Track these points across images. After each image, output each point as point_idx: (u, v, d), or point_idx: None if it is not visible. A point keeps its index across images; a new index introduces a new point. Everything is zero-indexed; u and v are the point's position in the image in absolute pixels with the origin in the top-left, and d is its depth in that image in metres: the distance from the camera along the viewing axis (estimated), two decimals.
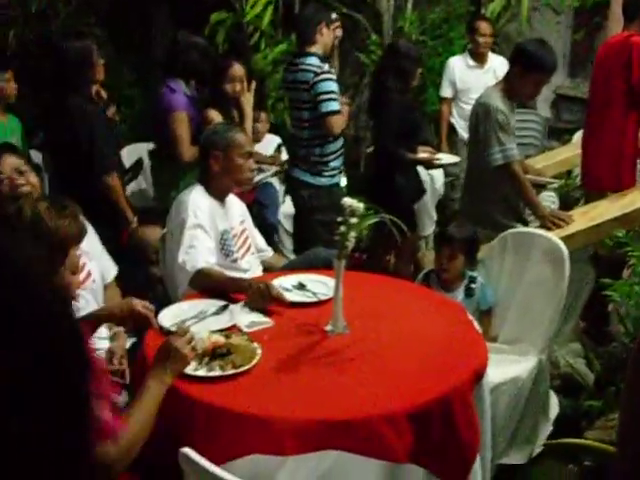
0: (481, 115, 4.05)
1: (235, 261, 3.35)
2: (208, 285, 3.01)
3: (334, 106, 4.38)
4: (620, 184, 4.31)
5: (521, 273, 3.42)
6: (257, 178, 4.85)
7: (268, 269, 3.56)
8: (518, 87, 4.03)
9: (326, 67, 4.45)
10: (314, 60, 4.45)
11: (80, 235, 2.00)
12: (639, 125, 4.31)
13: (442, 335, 2.62)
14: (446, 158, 5.14)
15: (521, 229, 3.63)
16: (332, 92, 4.39)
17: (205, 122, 4.33)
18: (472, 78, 5.96)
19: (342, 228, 2.44)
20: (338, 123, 4.42)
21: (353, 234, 2.45)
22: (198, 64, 4.60)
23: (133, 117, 7.57)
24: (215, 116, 4.43)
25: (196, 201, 3.26)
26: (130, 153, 5.53)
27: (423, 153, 4.87)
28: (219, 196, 3.38)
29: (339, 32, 4.62)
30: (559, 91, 8.70)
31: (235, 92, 4.52)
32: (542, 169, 4.89)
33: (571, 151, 5.53)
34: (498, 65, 5.89)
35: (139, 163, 5.38)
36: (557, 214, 4.04)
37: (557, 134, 8.01)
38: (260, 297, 2.80)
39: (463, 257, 3.43)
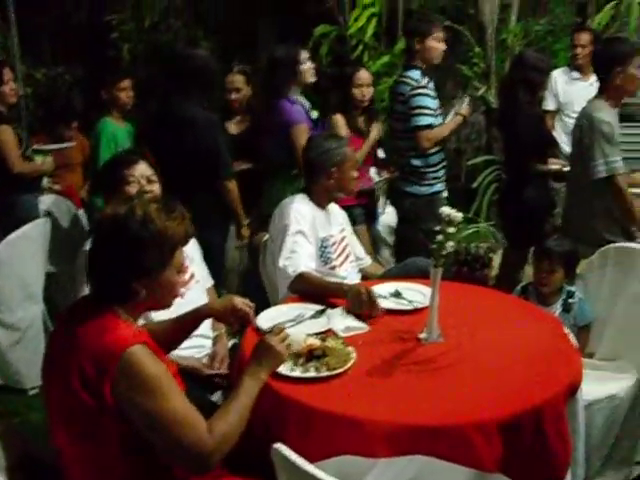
0: (585, 127, 3.99)
1: (333, 268, 3.42)
2: (308, 289, 3.09)
3: (425, 121, 4.45)
4: None
5: (621, 289, 3.34)
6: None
7: (366, 277, 3.61)
8: (619, 88, 3.96)
9: (425, 81, 4.51)
10: (414, 73, 4.52)
11: (187, 236, 2.10)
12: None
13: (537, 347, 2.60)
14: None
15: (622, 244, 3.55)
16: (425, 107, 4.45)
17: (331, 127, 4.50)
18: (575, 91, 5.85)
19: (439, 237, 2.46)
20: (428, 137, 4.47)
21: (451, 244, 2.47)
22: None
23: None
24: (340, 121, 4.58)
25: (299, 208, 3.36)
26: None
27: (553, 165, 4.83)
28: (322, 204, 3.48)
29: (442, 46, 4.62)
30: None
31: (363, 96, 4.66)
32: None
33: None
34: None
35: None
36: None
37: None
38: (359, 301, 2.85)
39: (562, 271, 3.39)
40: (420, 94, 4.45)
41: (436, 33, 4.54)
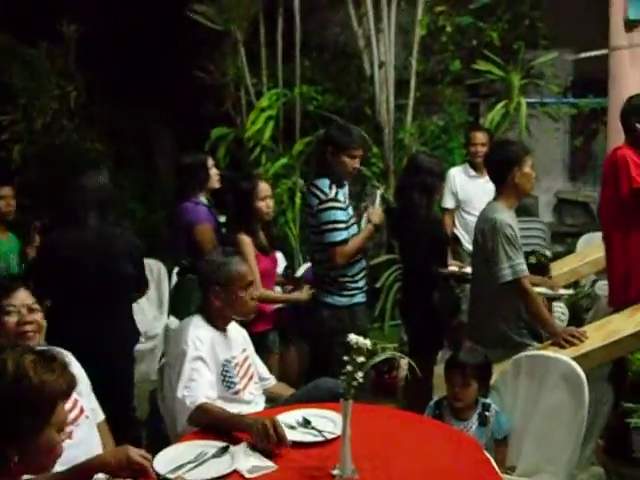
0: (487, 230, 3.95)
1: (237, 393, 3.20)
2: (209, 422, 2.85)
3: (339, 236, 4.18)
4: (627, 298, 4.23)
5: (537, 399, 3.26)
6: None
7: (271, 399, 3.40)
8: (517, 188, 3.97)
9: (333, 193, 4.22)
10: (323, 183, 4.26)
11: (69, 389, 1.86)
12: None
13: (457, 477, 2.44)
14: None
15: (534, 352, 3.48)
16: (336, 222, 4.18)
17: (237, 247, 4.21)
18: (473, 188, 5.88)
19: (348, 367, 2.30)
20: (343, 253, 4.20)
21: (361, 374, 2.30)
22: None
23: (135, 230, 7.53)
24: (246, 240, 4.34)
25: (196, 332, 3.14)
26: None
27: (453, 267, 4.77)
28: (220, 326, 3.26)
29: (356, 164, 4.34)
30: (560, 195, 8.73)
31: (268, 208, 4.49)
32: (545, 280, 4.75)
33: (578, 261, 5.43)
34: None
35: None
36: (570, 331, 3.88)
37: (560, 238, 7.98)
38: (265, 435, 2.63)
39: (476, 384, 3.27)
40: (329, 208, 4.18)
41: (354, 152, 4.28)
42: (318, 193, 4.25)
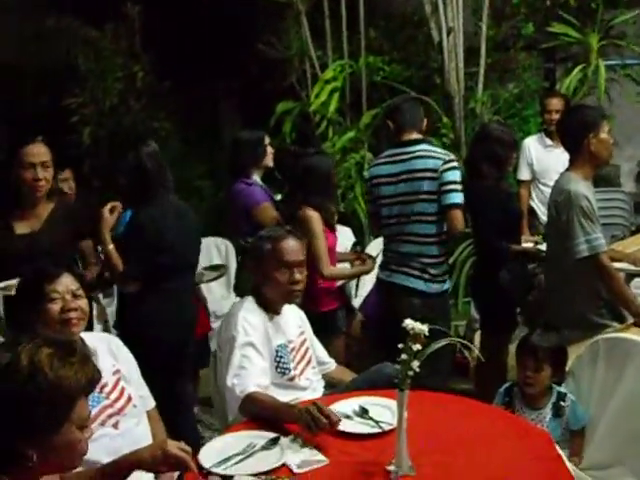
0: (562, 203, 3.68)
1: (292, 379, 3.04)
2: (258, 412, 2.69)
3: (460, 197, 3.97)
4: None
5: (616, 386, 2.98)
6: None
7: (331, 384, 3.24)
8: (593, 156, 3.69)
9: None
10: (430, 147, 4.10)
11: (91, 384, 1.72)
12: None
13: (526, 474, 2.22)
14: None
15: (614, 335, 3.20)
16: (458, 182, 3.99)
17: (303, 222, 4.08)
18: (550, 158, 5.59)
19: (403, 356, 2.10)
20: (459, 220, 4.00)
21: (416, 363, 2.10)
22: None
23: (204, 209, 7.46)
24: (315, 216, 4.14)
25: (247, 316, 2.99)
26: (206, 248, 5.44)
27: (526, 243, 4.50)
28: (271, 308, 3.10)
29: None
30: None
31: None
32: (636, 253, 4.43)
33: None
34: None
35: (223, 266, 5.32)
36: None
37: None
38: (312, 422, 2.45)
39: (549, 369, 3.02)
40: (454, 167, 3.98)
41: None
42: (434, 154, 4.01)
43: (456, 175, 3.95)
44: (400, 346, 2.11)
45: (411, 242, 4.07)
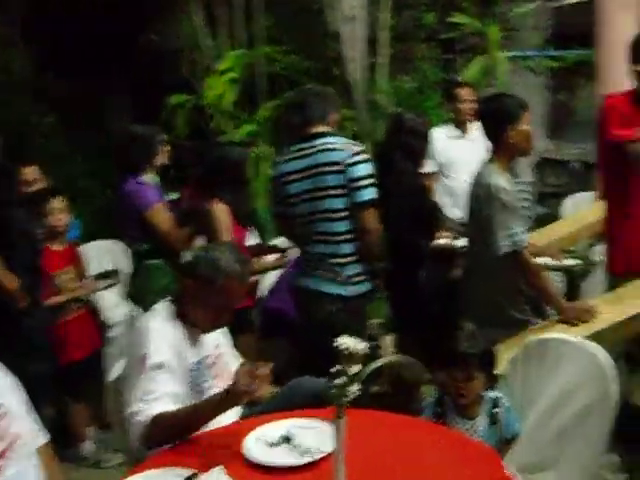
0: (482, 197, 3.51)
1: None
2: (171, 428, 2.38)
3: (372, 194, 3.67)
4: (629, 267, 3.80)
5: (548, 387, 2.83)
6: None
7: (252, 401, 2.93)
8: (513, 147, 3.53)
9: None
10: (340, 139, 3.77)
11: None
12: None
13: None
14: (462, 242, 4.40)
15: (548, 335, 3.03)
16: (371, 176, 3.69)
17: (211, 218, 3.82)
18: (455, 150, 5.44)
19: (338, 380, 1.82)
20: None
21: (355, 387, 1.83)
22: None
23: (91, 210, 6.98)
24: (224, 211, 3.91)
25: (160, 332, 2.64)
26: (97, 252, 5.22)
27: (443, 240, 4.31)
28: (190, 324, 2.76)
29: None
30: (542, 154, 8.32)
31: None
32: (550, 247, 4.31)
33: (572, 225, 5.00)
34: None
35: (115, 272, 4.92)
36: (580, 306, 3.46)
37: (542, 199, 7.59)
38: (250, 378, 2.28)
39: (482, 376, 2.81)
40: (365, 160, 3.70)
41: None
42: (339, 147, 3.69)
43: (366, 169, 3.65)
44: (335, 369, 1.83)
45: (322, 242, 3.78)
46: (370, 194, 3.64)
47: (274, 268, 4.54)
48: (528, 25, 6.86)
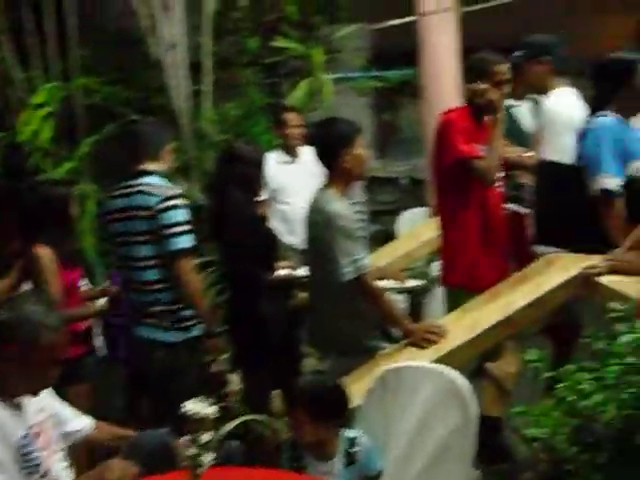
0: (321, 224, 3.42)
1: (46, 475, 2.41)
2: None
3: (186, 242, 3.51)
4: (454, 278, 3.89)
5: (406, 418, 2.75)
6: None
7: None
8: (348, 172, 3.46)
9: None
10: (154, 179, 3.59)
11: None
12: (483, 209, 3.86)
13: None
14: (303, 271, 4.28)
15: (402, 364, 2.94)
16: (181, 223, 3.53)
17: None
18: (287, 175, 5.38)
19: (191, 450, 1.63)
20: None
21: (210, 457, 1.64)
22: None
23: None
24: (49, 256, 3.55)
25: None
26: None
27: (283, 270, 4.15)
28: (10, 396, 2.44)
29: None
30: (370, 173, 8.43)
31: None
32: (391, 268, 4.29)
33: (412, 242, 5.04)
34: (313, 157, 5.37)
35: None
36: (427, 327, 3.42)
37: (375, 217, 7.69)
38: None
39: (330, 415, 2.66)
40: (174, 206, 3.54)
41: None
42: (154, 191, 3.52)
43: (178, 216, 3.50)
44: (185, 439, 1.63)
45: (138, 290, 3.63)
46: (183, 243, 3.49)
47: (106, 312, 4.21)
48: (351, 47, 6.91)
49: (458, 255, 3.90)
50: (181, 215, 3.50)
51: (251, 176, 3.92)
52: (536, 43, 4.14)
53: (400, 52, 6.54)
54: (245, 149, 4.11)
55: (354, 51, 6.90)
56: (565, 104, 4.02)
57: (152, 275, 3.55)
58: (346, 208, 3.44)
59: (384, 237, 6.49)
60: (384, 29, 6.63)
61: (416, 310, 4.90)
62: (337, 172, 3.47)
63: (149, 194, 3.51)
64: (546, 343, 3.99)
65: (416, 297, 4.95)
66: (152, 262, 3.54)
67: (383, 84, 7.03)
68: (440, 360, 3.12)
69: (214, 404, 1.70)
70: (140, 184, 3.56)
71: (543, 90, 4.10)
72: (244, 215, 3.87)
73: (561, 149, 3.86)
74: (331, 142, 3.45)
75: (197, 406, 1.64)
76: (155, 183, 3.55)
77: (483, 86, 3.77)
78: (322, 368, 3.17)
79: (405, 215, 6.38)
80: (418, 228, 5.32)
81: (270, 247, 4.10)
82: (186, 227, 3.50)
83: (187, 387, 3.33)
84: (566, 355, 3.83)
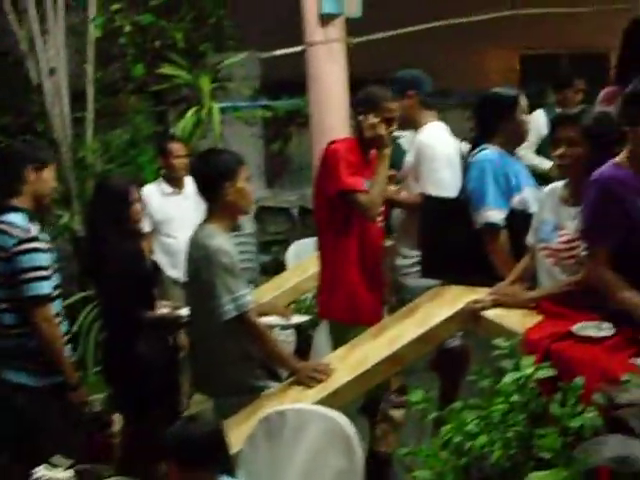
0: (201, 260, 3.29)
1: None
2: None
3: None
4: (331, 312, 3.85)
5: (291, 462, 2.64)
6: None
7: None
8: (232, 205, 3.37)
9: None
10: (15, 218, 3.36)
11: None
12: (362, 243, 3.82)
13: None
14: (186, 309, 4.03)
15: (285, 407, 2.83)
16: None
17: None
18: (171, 207, 5.24)
19: None
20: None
21: None
22: None
23: None
24: None
25: None
26: None
27: (164, 308, 3.97)
28: None
29: None
30: (260, 203, 8.38)
31: None
32: (274, 307, 4.15)
33: (298, 275, 4.95)
34: None
35: None
36: (312, 366, 3.33)
37: (265, 248, 7.62)
38: None
39: (210, 463, 2.52)
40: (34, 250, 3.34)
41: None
42: (10, 231, 3.31)
43: (35, 259, 3.31)
44: None
45: (2, 334, 3.42)
46: (38, 289, 3.32)
47: None
48: (240, 75, 6.82)
49: (337, 288, 3.83)
50: (39, 259, 3.31)
51: (117, 210, 3.76)
52: (402, 78, 4.14)
53: (290, 81, 6.51)
54: (111, 181, 4.00)
55: (243, 80, 6.81)
56: (437, 138, 4.04)
57: (10, 319, 3.37)
58: (228, 243, 3.32)
59: (275, 268, 6.41)
60: (274, 58, 6.56)
61: (304, 346, 4.81)
62: (219, 206, 3.36)
63: (7, 234, 3.30)
64: (435, 377, 3.99)
65: (304, 332, 4.86)
66: (5, 305, 3.36)
67: (272, 114, 6.94)
68: (326, 399, 3.05)
69: (72, 466, 1.53)
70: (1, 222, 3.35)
71: (412, 124, 4.11)
72: (118, 250, 3.69)
73: (439, 183, 3.89)
74: (212, 175, 3.34)
75: (50, 472, 1.48)
76: (15, 222, 3.32)
77: (373, 120, 3.73)
78: (205, 411, 3.00)
79: (294, 246, 6.30)
80: (306, 260, 5.23)
81: (149, 283, 3.93)
82: (44, 272, 3.32)
83: (48, 436, 3.16)
84: (454, 391, 3.83)
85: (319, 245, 4.04)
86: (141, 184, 5.71)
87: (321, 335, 4.60)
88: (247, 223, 8.26)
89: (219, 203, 3.35)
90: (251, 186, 3.46)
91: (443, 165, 3.92)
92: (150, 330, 3.75)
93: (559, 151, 3.04)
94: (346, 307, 3.79)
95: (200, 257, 3.30)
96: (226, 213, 3.38)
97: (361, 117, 3.78)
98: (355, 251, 3.80)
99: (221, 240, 3.28)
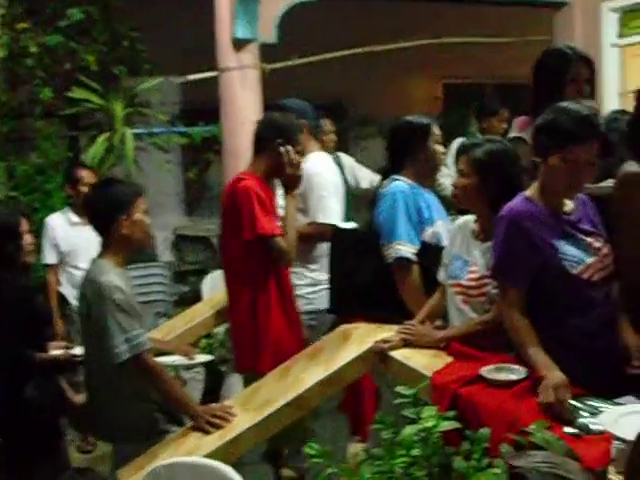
0: (92, 297, 3.08)
1: None
2: None
3: None
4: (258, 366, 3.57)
5: None
6: None
7: None
8: (127, 239, 3.16)
9: None
10: None
11: None
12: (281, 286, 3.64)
13: None
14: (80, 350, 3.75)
15: (175, 460, 2.61)
16: None
17: None
18: (78, 237, 4.97)
19: None
20: None
21: None
22: None
23: None
24: None
25: None
26: None
27: (57, 350, 3.70)
28: None
29: None
30: (178, 232, 8.14)
31: None
32: (177, 346, 3.92)
33: (208, 310, 4.73)
34: None
35: None
36: (212, 410, 3.08)
37: (183, 278, 7.39)
38: None
39: None
40: None
41: None
42: None
43: None
44: None
45: None
46: None
47: None
48: (155, 101, 6.59)
49: (263, 340, 3.59)
50: None
51: (8, 250, 3.50)
52: (291, 107, 3.99)
53: (207, 108, 6.33)
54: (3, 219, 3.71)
55: (159, 105, 6.59)
56: (324, 167, 3.96)
57: None
58: (120, 279, 3.09)
59: (193, 298, 6.18)
60: (192, 84, 6.37)
61: (215, 384, 4.59)
62: (113, 239, 3.15)
63: None
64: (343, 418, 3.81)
65: (214, 369, 4.64)
66: None
67: (188, 140, 6.73)
68: (226, 446, 2.86)
69: None
70: None
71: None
72: (7, 287, 3.43)
73: (328, 211, 3.82)
74: (105, 207, 3.13)
75: None
76: None
77: (294, 156, 3.56)
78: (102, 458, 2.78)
79: (210, 277, 6.08)
80: (221, 292, 5.03)
81: (41, 322, 3.67)
82: None
83: None
84: (362, 437, 3.67)
85: (229, 291, 3.80)
86: (49, 212, 5.47)
87: (233, 372, 4.40)
88: (164, 252, 8.05)
89: (113, 237, 3.14)
90: (148, 219, 3.23)
91: (332, 193, 3.87)
92: (41, 370, 3.48)
93: (455, 181, 2.98)
94: (274, 356, 3.54)
95: (92, 294, 3.08)
96: (121, 247, 3.17)
97: (281, 149, 3.58)
98: (275, 296, 3.61)
99: (112, 276, 3.07)
